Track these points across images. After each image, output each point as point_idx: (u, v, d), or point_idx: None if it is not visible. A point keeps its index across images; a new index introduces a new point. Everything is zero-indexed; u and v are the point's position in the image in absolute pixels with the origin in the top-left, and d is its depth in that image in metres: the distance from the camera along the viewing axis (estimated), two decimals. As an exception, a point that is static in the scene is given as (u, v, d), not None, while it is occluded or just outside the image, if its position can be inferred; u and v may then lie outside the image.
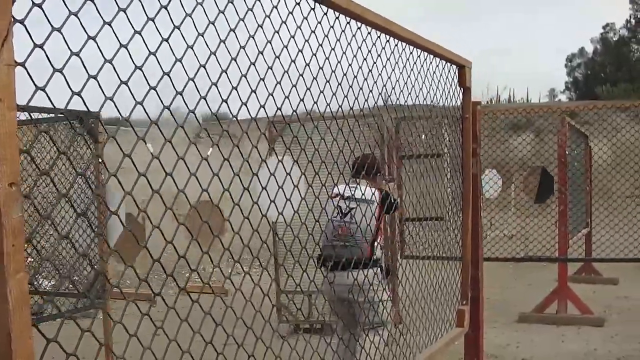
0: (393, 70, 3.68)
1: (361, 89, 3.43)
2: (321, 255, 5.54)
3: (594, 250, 12.15)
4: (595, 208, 13.02)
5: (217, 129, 2.74)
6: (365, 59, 3.37)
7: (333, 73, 3.06)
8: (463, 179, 4.47)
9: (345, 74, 3.25)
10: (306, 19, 2.78)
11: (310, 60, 2.89)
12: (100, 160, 6.28)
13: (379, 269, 5.84)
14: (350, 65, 3.24)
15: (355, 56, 3.27)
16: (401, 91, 3.86)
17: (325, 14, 2.94)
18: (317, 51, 2.91)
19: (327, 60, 3.01)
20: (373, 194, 5.86)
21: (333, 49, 3.08)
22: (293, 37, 2.72)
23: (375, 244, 5.92)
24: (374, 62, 3.50)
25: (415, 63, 3.89)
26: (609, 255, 10.30)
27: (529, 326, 8.95)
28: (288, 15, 2.67)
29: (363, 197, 5.61)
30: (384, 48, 3.55)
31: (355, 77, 3.32)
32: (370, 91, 3.53)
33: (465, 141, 4.45)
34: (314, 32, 2.87)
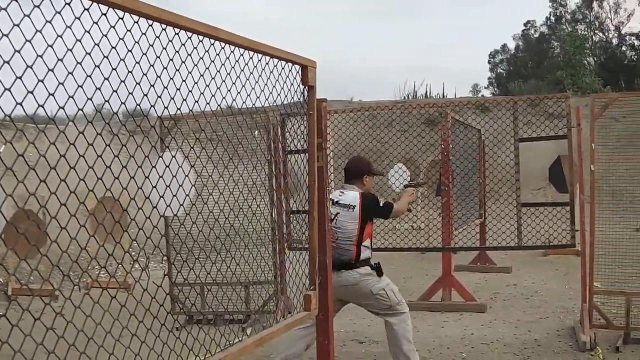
0: (229, 74, 3.93)
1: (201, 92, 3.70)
2: None
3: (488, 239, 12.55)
4: (501, 201, 13.48)
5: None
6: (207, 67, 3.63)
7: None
8: (309, 171, 4.72)
9: (184, 80, 3.51)
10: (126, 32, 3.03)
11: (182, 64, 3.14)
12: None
13: (368, 267, 6.21)
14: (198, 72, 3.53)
15: (181, 63, 3.53)
16: (248, 94, 4.14)
17: (164, 29, 3.20)
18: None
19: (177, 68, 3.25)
20: (355, 199, 6.24)
21: (171, 60, 3.35)
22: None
23: (362, 246, 6.22)
24: (217, 69, 3.75)
25: (255, 66, 4.16)
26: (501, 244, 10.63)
27: (415, 313, 9.27)
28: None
29: (345, 202, 6.20)
30: (218, 54, 3.79)
31: (209, 84, 3.61)
32: (213, 95, 3.80)
33: (310, 136, 4.72)
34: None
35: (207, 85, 3.72)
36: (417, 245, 11.12)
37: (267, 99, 4.36)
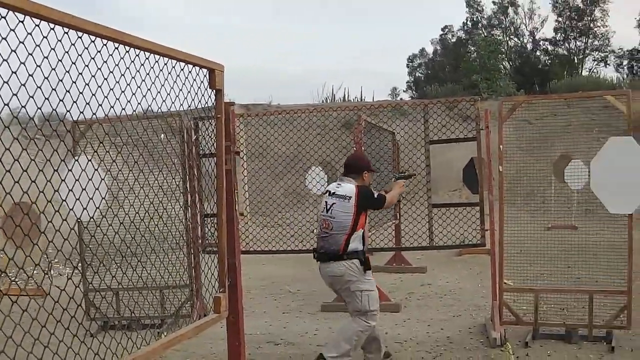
0: (132, 78, 3.93)
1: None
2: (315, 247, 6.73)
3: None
4: (413, 202, 13.65)
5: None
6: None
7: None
8: (217, 174, 4.73)
9: (84, 84, 3.50)
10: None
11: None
12: None
13: (357, 260, 6.51)
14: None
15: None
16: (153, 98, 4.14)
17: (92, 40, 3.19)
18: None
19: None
20: (352, 190, 6.60)
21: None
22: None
23: (353, 237, 6.51)
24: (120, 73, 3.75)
25: (161, 70, 4.16)
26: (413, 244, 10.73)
27: (331, 314, 9.42)
28: None
29: (341, 194, 6.58)
30: (122, 58, 3.77)
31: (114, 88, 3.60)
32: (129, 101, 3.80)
33: (218, 139, 4.73)
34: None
35: (112, 89, 3.71)
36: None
37: (173, 102, 4.36)
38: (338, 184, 6.74)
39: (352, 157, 7.18)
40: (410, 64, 53.06)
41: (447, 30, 51.27)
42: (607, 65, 50.52)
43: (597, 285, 8.12)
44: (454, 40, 50.78)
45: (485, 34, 44.96)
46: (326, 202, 6.66)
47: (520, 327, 8.11)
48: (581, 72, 44.60)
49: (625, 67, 46.00)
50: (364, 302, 6.55)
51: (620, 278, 7.74)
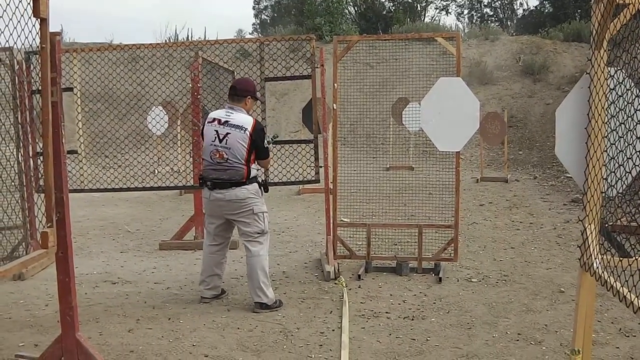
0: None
1: None
2: (202, 176, 6.62)
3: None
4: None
5: None
6: None
7: None
8: (42, 106, 4.62)
9: None
10: None
11: None
12: None
13: (256, 184, 6.61)
14: None
15: None
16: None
17: None
18: None
19: None
20: (248, 122, 6.56)
21: None
22: None
23: (252, 165, 6.56)
24: None
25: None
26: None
27: (169, 253, 9.41)
28: None
29: (236, 123, 6.51)
30: None
31: None
32: None
33: (43, 70, 4.61)
34: None
35: None
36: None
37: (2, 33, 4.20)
38: (228, 113, 6.61)
39: (239, 80, 7.05)
40: (257, 6, 52.73)
41: (292, -29, 51.16)
42: (449, 14, 52.05)
43: (427, 221, 8.50)
44: (301, -18, 50.83)
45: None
46: (217, 131, 6.51)
47: (354, 261, 8.41)
48: (424, 19, 45.66)
49: (465, 17, 47.41)
50: (265, 223, 6.78)
51: (451, 216, 8.12)
